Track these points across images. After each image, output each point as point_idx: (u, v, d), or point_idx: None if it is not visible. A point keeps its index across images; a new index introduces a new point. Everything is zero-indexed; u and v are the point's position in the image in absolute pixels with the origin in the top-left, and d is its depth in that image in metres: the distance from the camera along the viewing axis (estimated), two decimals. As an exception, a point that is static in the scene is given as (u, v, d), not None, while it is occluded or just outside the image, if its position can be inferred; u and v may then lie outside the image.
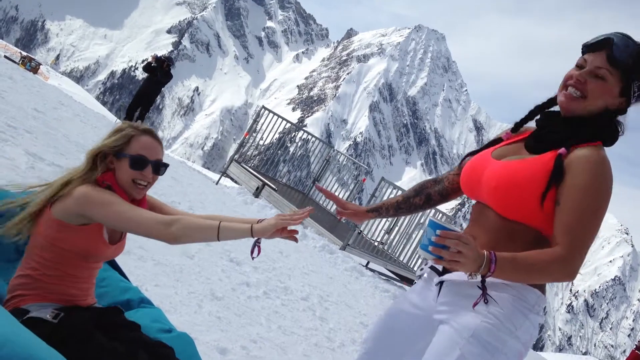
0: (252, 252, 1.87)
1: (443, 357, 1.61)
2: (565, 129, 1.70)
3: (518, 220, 1.65)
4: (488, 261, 1.50)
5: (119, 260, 2.69)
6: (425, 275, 1.84)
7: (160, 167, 1.99)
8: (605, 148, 1.69)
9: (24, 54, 29.57)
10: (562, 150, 1.64)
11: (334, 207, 10.16)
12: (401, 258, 10.92)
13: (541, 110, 1.82)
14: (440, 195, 2.00)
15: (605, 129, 1.69)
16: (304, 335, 4.14)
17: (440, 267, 1.77)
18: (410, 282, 10.70)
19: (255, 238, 1.85)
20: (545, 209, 1.62)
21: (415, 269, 10.81)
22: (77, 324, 1.86)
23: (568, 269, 1.56)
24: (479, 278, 1.58)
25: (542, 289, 1.67)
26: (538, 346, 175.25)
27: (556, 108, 1.78)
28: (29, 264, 1.92)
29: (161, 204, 2.14)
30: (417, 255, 11.01)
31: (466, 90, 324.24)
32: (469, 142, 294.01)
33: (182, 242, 1.84)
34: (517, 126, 1.86)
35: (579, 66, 1.70)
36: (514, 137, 1.84)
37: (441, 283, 1.74)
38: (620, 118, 1.73)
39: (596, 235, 1.65)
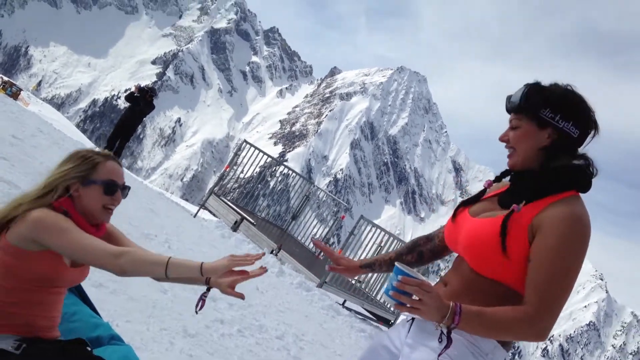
0: (196, 305, 1.87)
1: None
2: (534, 182, 1.72)
3: (489, 276, 1.67)
4: (452, 312, 1.52)
5: (91, 293, 2.62)
6: (403, 313, 1.87)
7: (125, 190, 2.02)
8: (582, 195, 1.71)
9: (5, 79, 29.39)
10: (514, 206, 1.67)
11: (311, 244, 10.08)
12: (378, 297, 10.85)
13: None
14: (432, 252, 2.03)
15: (572, 175, 1.70)
16: (277, 375, 4.05)
17: None
18: (386, 322, 10.62)
19: (203, 282, 1.86)
20: (518, 266, 1.62)
21: (391, 309, 10.73)
22: (41, 357, 1.80)
23: (535, 328, 1.56)
24: (444, 329, 1.58)
25: (502, 342, 1.67)
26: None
27: None
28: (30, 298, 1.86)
29: (120, 234, 2.12)
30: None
31: (446, 131, 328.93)
32: (447, 182, 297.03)
33: (129, 275, 1.82)
34: (498, 180, 1.90)
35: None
36: (494, 192, 1.88)
37: (413, 320, 1.79)
38: (590, 158, 1.74)
39: (569, 294, 1.63)
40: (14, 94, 23.97)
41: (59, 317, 1.99)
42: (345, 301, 10.36)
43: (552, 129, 1.71)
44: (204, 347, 3.71)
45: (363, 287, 10.92)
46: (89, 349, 2.00)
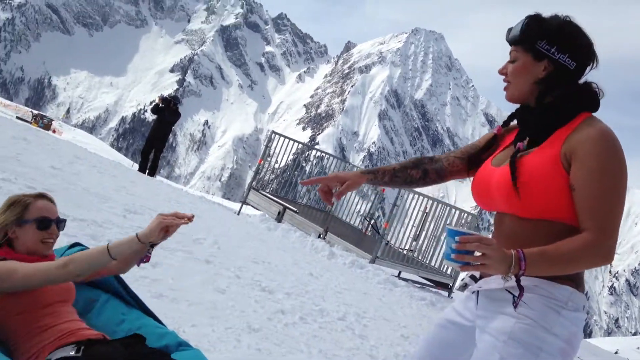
0: (139, 262, 2.12)
1: None
2: (540, 117, 1.72)
3: (536, 217, 1.64)
4: (517, 259, 1.50)
5: (152, 305, 2.69)
6: (467, 284, 1.83)
7: (60, 223, 2.18)
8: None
9: (35, 112, 30.13)
10: (519, 144, 1.70)
11: (359, 222, 10.09)
12: (432, 263, 10.81)
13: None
14: (437, 174, 1.98)
15: (580, 97, 1.69)
16: (345, 356, 4.09)
17: (477, 274, 1.77)
18: (445, 286, 10.58)
19: (146, 247, 2.01)
20: (560, 198, 1.61)
21: (448, 272, 10.70)
22: (105, 353, 1.87)
23: (601, 250, 1.55)
24: (513, 280, 1.56)
25: (576, 284, 1.63)
26: (586, 332, 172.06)
27: None
28: (7, 339, 1.98)
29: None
30: (448, 258, 10.88)
31: (473, 85, 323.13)
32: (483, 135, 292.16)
33: (83, 276, 1.98)
34: (506, 124, 1.91)
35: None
36: (508, 140, 1.87)
37: (477, 293, 1.75)
38: (593, 83, 1.72)
39: (622, 211, 1.62)
40: (46, 125, 24.59)
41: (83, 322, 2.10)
42: (400, 272, 10.36)
43: (548, 61, 1.69)
44: (269, 339, 3.77)
45: (416, 255, 10.89)
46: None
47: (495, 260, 1.49)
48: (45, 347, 1.95)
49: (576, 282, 1.63)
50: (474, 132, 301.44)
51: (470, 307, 1.79)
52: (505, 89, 1.79)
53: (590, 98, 1.70)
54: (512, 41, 1.75)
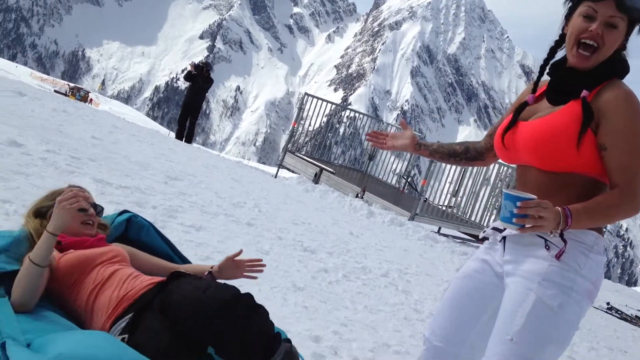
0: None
1: (520, 305, 1.67)
2: (579, 75, 1.75)
3: (561, 171, 1.72)
4: (564, 216, 1.61)
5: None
6: (489, 236, 1.90)
7: (97, 207, 2.37)
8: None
9: (72, 85, 30.64)
10: (584, 93, 1.70)
11: (395, 180, 10.09)
12: (472, 218, 10.75)
13: (547, 63, 1.87)
14: (477, 151, 2.11)
15: (618, 66, 1.76)
16: (390, 311, 4.14)
17: (501, 226, 1.81)
18: (486, 240, 10.54)
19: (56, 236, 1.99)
20: (585, 154, 1.69)
21: (487, 226, 10.62)
22: (149, 320, 1.91)
23: (633, 205, 1.66)
24: (557, 234, 1.67)
25: (599, 230, 1.74)
26: (631, 282, 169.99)
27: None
28: (75, 304, 2.07)
29: (134, 252, 2.38)
30: (489, 212, 10.83)
31: (507, 37, 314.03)
32: (519, 88, 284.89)
33: (29, 299, 1.93)
34: (535, 86, 1.91)
35: (587, 16, 1.71)
36: (535, 96, 1.89)
37: (504, 240, 1.81)
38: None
39: None
40: (83, 97, 25.00)
41: (139, 279, 2.14)
42: (440, 228, 10.35)
43: (627, 37, 1.75)
44: (315, 297, 3.83)
45: (455, 211, 10.84)
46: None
47: (550, 220, 1.59)
48: (105, 317, 2.01)
49: (599, 228, 1.74)
50: (510, 84, 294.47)
51: (495, 256, 1.85)
52: (585, 59, 1.73)
53: (622, 65, 1.77)
54: (623, 8, 1.68)
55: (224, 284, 1.97)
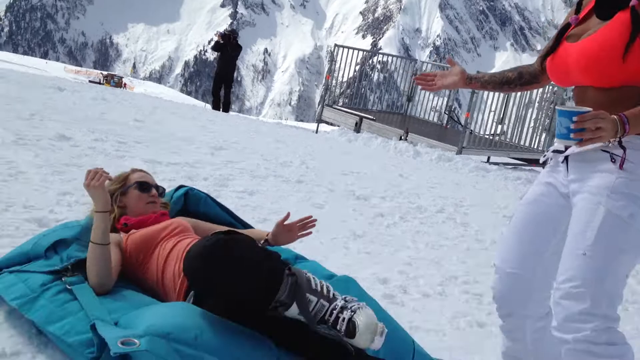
0: None
1: (590, 220, 1.65)
2: None
3: (617, 85, 1.68)
4: (622, 123, 1.58)
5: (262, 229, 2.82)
6: (550, 159, 1.88)
7: (159, 188, 2.46)
8: None
9: (105, 73, 31.16)
10: (633, 2, 1.65)
11: (436, 117, 9.93)
12: (521, 142, 10.54)
13: None
14: (531, 75, 2.06)
15: None
16: (452, 245, 4.15)
17: (562, 147, 1.80)
18: (538, 162, 10.33)
19: (107, 212, 2.08)
20: (637, 64, 1.64)
21: (538, 148, 10.42)
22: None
23: None
24: (616, 142, 1.65)
25: None
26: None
27: None
28: (148, 282, 2.14)
29: (196, 222, 2.44)
30: (538, 134, 10.60)
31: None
32: (555, 4, 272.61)
33: (104, 280, 2.00)
34: (579, 5, 1.85)
35: None
36: (581, 16, 1.84)
37: (566, 160, 1.78)
38: None
39: None
40: (118, 83, 25.41)
41: None
42: (489, 158, 10.20)
43: None
44: (375, 242, 3.87)
45: (503, 139, 10.64)
46: None
47: (609, 130, 1.57)
48: (175, 293, 2.06)
49: None
50: (544, 2, 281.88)
51: (559, 177, 1.82)
52: None
53: None
54: None
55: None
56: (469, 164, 8.26)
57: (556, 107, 1.70)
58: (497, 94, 10.29)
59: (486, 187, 7.01)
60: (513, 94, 10.16)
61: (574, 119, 1.57)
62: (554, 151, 1.87)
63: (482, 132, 10.67)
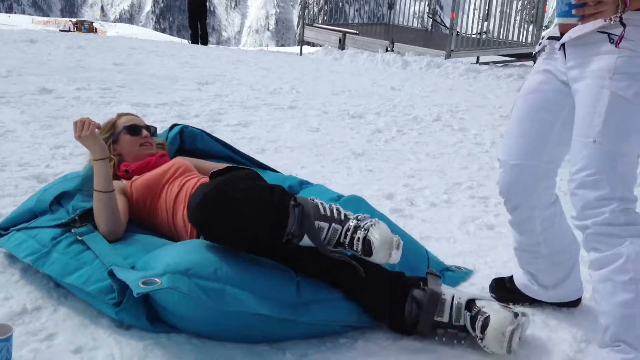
0: None
1: (596, 105, 1.61)
2: None
3: None
4: None
5: (259, 160, 2.79)
6: (545, 46, 1.82)
7: (150, 128, 2.39)
8: None
9: (74, 20, 30.13)
10: None
11: (421, 22, 9.72)
12: (509, 38, 10.36)
13: None
14: None
15: None
16: (452, 151, 4.14)
17: (557, 34, 1.74)
18: (528, 56, 10.19)
19: (106, 159, 2.03)
20: None
21: (526, 42, 10.25)
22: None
23: None
24: (617, 19, 1.57)
25: None
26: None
27: None
28: (159, 227, 2.13)
29: (197, 161, 2.39)
30: (525, 27, 10.40)
31: None
32: None
33: (113, 226, 1.98)
34: None
35: None
36: None
37: (563, 47, 1.72)
38: None
39: None
40: (89, 29, 24.64)
41: None
42: (478, 58, 10.05)
43: None
44: (375, 158, 3.86)
45: (490, 36, 10.43)
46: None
47: (610, 4, 1.51)
48: (187, 237, 2.05)
49: None
50: None
51: (557, 65, 1.78)
52: None
53: None
54: None
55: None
56: (459, 67, 8.14)
57: None
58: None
59: (479, 88, 6.93)
60: None
61: None
62: (549, 38, 1.81)
63: (468, 33, 10.44)
